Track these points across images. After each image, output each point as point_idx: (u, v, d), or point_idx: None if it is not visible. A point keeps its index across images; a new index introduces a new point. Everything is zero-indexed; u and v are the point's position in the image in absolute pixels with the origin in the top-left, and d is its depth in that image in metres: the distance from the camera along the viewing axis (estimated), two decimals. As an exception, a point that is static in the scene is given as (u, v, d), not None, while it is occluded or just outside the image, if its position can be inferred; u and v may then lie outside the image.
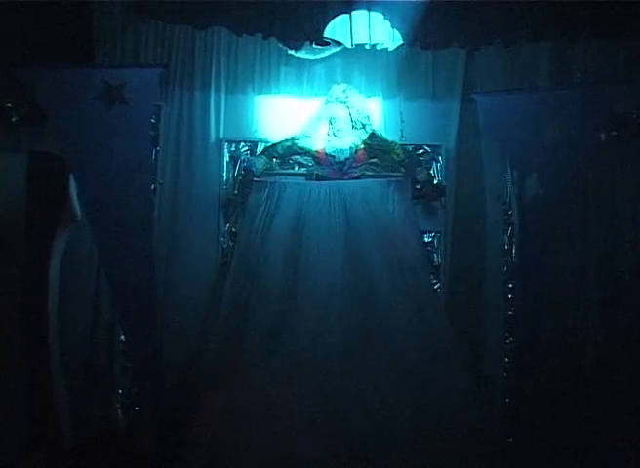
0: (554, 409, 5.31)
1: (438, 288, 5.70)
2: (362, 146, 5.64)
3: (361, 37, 5.34)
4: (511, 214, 5.63)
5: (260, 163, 5.60)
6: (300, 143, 5.64)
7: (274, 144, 5.64)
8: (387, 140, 5.66)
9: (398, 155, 5.63)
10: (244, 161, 5.70)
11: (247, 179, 5.62)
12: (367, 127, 5.64)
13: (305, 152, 5.64)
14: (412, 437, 4.90)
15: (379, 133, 5.69)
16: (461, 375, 5.16)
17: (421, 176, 5.63)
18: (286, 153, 5.64)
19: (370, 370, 5.08)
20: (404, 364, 5.11)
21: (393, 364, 5.11)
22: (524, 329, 5.37)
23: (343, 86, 5.67)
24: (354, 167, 5.61)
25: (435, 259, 5.74)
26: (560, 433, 5.24)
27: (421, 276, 5.51)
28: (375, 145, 5.63)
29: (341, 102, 5.62)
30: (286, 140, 5.64)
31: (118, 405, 5.45)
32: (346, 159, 5.61)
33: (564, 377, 5.38)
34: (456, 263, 5.76)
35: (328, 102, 5.66)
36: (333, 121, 5.64)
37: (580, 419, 5.28)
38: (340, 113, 5.62)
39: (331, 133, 5.67)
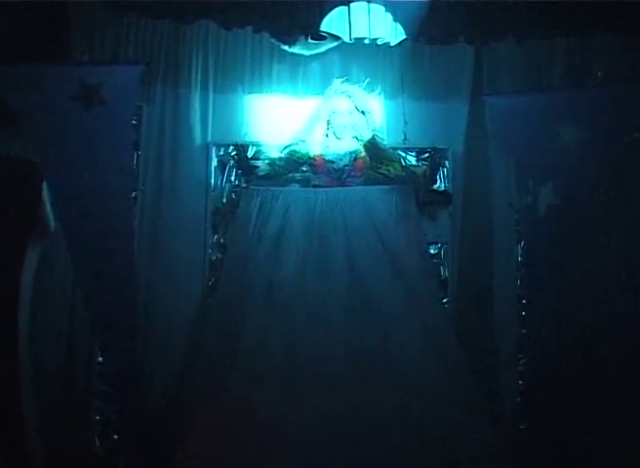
0: (571, 436, 5.05)
1: (446, 303, 5.53)
2: (362, 155, 5.44)
3: (360, 31, 5.18)
4: (524, 224, 5.44)
5: (264, 166, 5.45)
6: (298, 152, 5.46)
7: (273, 160, 5.47)
8: (386, 151, 5.49)
9: (395, 168, 5.45)
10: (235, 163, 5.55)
11: (248, 180, 5.49)
12: (369, 122, 5.44)
13: (303, 162, 5.46)
14: (417, 454, 4.75)
15: (379, 138, 5.51)
16: (470, 393, 5.02)
17: (419, 170, 5.49)
18: (286, 167, 5.45)
19: (371, 388, 4.93)
20: (409, 381, 4.96)
21: (397, 381, 4.96)
22: (537, 349, 5.20)
23: (343, 79, 5.48)
24: (353, 176, 5.42)
25: (442, 273, 5.58)
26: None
27: (428, 290, 5.32)
28: (373, 155, 5.44)
29: (342, 92, 5.43)
30: (283, 152, 5.46)
31: (95, 432, 5.25)
32: (345, 166, 5.42)
33: (582, 403, 5.07)
34: (464, 277, 5.58)
35: (327, 97, 5.46)
36: (333, 117, 5.43)
37: (598, 447, 4.99)
38: (343, 105, 5.43)
39: (330, 133, 5.48)
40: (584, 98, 5.10)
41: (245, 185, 5.45)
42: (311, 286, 5.15)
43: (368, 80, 5.49)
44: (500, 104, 5.25)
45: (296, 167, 5.45)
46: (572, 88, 5.43)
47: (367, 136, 5.45)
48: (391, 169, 5.43)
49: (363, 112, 5.44)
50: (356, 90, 5.42)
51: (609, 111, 4.99)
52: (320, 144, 5.47)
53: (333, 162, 5.41)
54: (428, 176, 5.49)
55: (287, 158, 5.44)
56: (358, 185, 5.39)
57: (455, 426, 4.84)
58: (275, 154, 5.46)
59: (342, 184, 5.38)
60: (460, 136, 5.63)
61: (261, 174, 5.44)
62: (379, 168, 5.43)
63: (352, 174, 5.40)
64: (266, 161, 5.46)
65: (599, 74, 5.46)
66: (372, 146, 5.45)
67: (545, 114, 5.06)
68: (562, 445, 5.04)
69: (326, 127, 5.48)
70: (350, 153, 5.43)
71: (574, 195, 5.08)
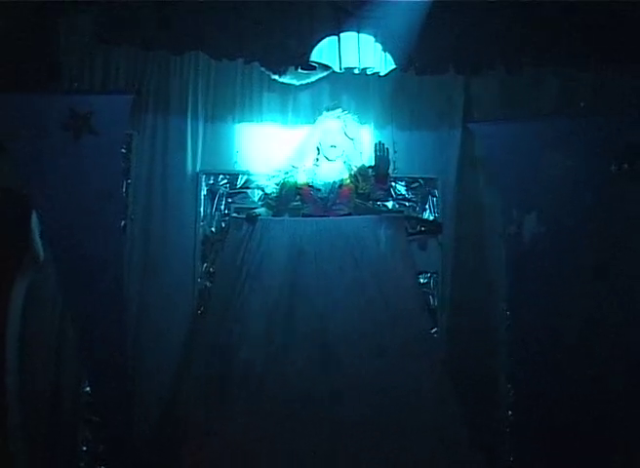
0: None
1: (435, 333, 5.47)
2: (347, 182, 5.35)
3: (350, 61, 5.17)
4: (510, 253, 5.38)
5: (263, 212, 5.37)
6: (287, 185, 5.38)
7: (267, 195, 5.46)
8: (367, 171, 5.40)
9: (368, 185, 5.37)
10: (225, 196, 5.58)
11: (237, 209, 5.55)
12: (356, 148, 5.39)
13: (293, 193, 5.38)
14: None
15: (365, 165, 5.44)
16: (457, 425, 4.90)
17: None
18: (283, 202, 5.40)
19: (360, 417, 4.80)
20: (396, 412, 4.85)
21: (384, 412, 4.84)
22: (527, 380, 5.16)
23: (333, 104, 5.48)
24: (338, 204, 5.33)
25: (431, 302, 5.58)
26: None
27: (417, 319, 5.19)
28: (359, 179, 5.36)
29: (332, 116, 5.38)
30: (276, 187, 5.39)
31: (82, 464, 5.23)
32: (330, 194, 5.32)
33: (572, 434, 5.01)
34: (454, 307, 5.58)
35: (319, 122, 5.41)
36: (324, 137, 5.36)
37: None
38: (333, 125, 5.37)
39: (321, 158, 5.40)
40: (574, 128, 5.10)
41: (234, 214, 5.44)
42: (298, 316, 5.04)
43: (357, 113, 5.47)
44: (489, 133, 5.26)
45: (288, 199, 5.40)
46: (561, 117, 5.41)
47: (355, 162, 5.39)
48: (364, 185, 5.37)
49: (352, 139, 5.39)
50: (346, 115, 5.38)
51: (597, 141, 5.01)
52: (309, 172, 5.40)
53: (319, 190, 5.33)
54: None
55: (277, 197, 5.39)
56: (344, 213, 5.32)
57: (445, 458, 4.77)
58: (268, 186, 5.43)
59: (328, 212, 5.29)
60: (451, 166, 5.64)
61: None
62: (358, 190, 5.37)
63: (338, 201, 5.31)
64: (266, 205, 5.41)
65: (582, 104, 5.50)
66: (358, 171, 5.38)
67: (534, 143, 5.08)
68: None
69: (316, 153, 5.41)
70: (335, 181, 5.34)
71: (563, 226, 5.07)
